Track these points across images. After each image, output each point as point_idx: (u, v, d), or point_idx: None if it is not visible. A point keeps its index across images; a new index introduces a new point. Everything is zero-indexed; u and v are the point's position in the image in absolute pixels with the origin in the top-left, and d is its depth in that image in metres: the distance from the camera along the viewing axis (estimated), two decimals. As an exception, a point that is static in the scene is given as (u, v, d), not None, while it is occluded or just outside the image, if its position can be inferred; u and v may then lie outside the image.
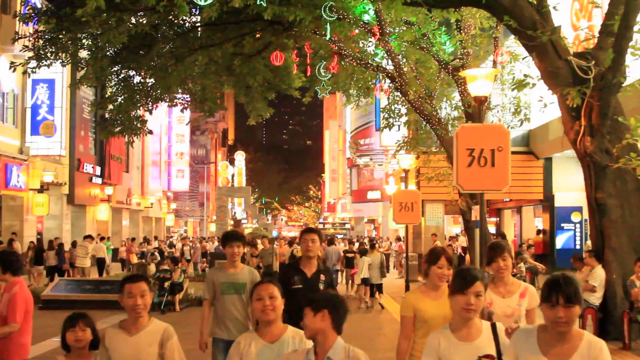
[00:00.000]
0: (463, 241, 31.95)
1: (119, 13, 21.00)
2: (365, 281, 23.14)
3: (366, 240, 42.87)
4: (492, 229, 32.18)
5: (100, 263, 33.52)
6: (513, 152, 25.94)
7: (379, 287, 23.56)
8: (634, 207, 11.88)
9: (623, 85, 11.35)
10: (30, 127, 33.94)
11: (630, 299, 12.58)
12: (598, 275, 13.07)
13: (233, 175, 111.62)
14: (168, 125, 71.35)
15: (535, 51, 12.11)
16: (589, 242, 27.03)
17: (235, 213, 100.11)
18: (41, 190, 34.56)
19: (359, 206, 75.88)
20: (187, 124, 28.69)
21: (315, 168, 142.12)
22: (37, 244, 31.29)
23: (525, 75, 12.82)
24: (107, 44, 21.76)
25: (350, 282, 25.86)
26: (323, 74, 22.18)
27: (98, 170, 43.71)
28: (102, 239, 36.42)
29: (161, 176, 67.40)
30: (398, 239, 38.95)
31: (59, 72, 33.59)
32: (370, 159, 64.30)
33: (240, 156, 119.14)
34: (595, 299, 13.51)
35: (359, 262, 23.58)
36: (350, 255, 26.48)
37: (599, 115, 11.30)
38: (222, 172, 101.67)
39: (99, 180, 43.93)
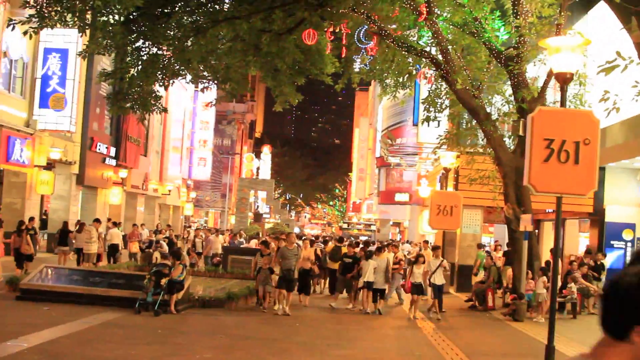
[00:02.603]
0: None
1: (133, -31, 18.61)
2: (368, 285, 21.27)
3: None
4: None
5: (113, 250, 30.84)
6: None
7: (382, 293, 21.81)
8: None
9: None
10: (39, 99, 31.38)
11: None
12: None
13: (258, 168, 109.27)
14: (192, 110, 68.86)
15: (638, 19, 9.35)
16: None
17: (258, 207, 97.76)
18: (48, 167, 32.17)
19: (385, 208, 73.04)
20: (209, 105, 25.99)
21: (341, 167, 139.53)
22: (63, 226, 29.02)
23: (617, 54, 10.00)
24: (118, 6, 19.26)
25: (352, 291, 22.98)
26: (364, 40, 19.49)
27: (113, 151, 41.21)
28: (114, 224, 34.04)
29: (182, 163, 64.91)
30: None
31: (73, 42, 31.11)
32: (401, 159, 61.55)
33: (266, 149, 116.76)
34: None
35: (364, 265, 21.57)
36: (348, 260, 22.87)
37: None
38: (247, 164, 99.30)
39: (113, 162, 41.44)
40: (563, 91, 10.24)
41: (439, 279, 20.79)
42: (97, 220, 28.48)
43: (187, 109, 66.38)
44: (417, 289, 20.50)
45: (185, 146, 66.71)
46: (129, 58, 22.77)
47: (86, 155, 37.04)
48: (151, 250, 28.26)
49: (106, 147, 39.98)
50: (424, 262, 20.98)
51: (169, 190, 56.92)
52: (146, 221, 49.51)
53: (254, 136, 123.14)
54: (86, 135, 36.92)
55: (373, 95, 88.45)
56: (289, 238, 20.89)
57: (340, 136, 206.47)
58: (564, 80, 10.12)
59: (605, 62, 10.53)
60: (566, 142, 9.35)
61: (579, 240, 31.64)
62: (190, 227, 61.59)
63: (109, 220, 36.43)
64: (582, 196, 9.66)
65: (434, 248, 22.74)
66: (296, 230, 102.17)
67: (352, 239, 53.48)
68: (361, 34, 19.31)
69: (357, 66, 27.47)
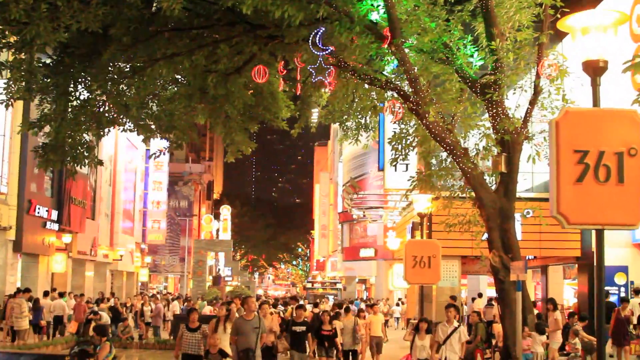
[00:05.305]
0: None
1: (50, -5, 16.08)
2: None
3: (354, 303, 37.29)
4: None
5: (57, 321, 29.11)
6: (541, 199, 20.69)
7: (354, 354, 20.11)
8: None
9: None
10: (-35, 159, 28.59)
11: None
12: None
13: (218, 230, 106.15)
14: (145, 170, 66.12)
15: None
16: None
17: (219, 269, 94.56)
18: (-21, 234, 29.26)
19: (350, 264, 70.57)
20: (162, 151, 22.29)
21: (303, 225, 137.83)
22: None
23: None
24: (37, 40, 16.59)
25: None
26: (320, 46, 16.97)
27: (54, 214, 38.05)
28: (60, 294, 31.46)
29: (134, 226, 61.87)
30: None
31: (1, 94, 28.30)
32: (364, 215, 59.20)
33: (225, 210, 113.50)
34: None
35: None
36: (300, 329, 18.43)
37: None
38: (205, 226, 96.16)
39: (55, 227, 38.28)
40: (595, 85, 7.71)
41: (451, 353, 16.45)
42: (27, 290, 25.56)
43: (139, 169, 63.53)
44: None
45: (138, 208, 63.75)
46: (55, 104, 19.97)
47: (24, 220, 33.92)
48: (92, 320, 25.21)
49: (47, 210, 36.84)
50: (428, 332, 17.01)
51: (121, 256, 53.77)
52: (97, 289, 46.51)
53: (212, 197, 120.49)
54: (23, 197, 33.81)
55: (332, 149, 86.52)
56: (247, 305, 15.65)
57: (301, 195, 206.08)
58: (594, 70, 7.61)
59: (634, 56, 7.99)
60: (605, 154, 6.86)
61: (563, 289, 29.23)
62: (142, 293, 58.62)
63: (53, 290, 33.76)
64: (632, 228, 7.10)
65: (448, 306, 17.88)
66: (260, 292, 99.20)
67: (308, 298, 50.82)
68: (317, 38, 16.67)
69: (315, 108, 25.12)
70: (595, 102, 7.64)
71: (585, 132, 6.95)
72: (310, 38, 16.05)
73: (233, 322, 15.77)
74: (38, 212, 35.53)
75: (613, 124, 7.02)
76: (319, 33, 15.96)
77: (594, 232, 20.74)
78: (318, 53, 16.02)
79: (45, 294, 31.55)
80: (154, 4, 18.62)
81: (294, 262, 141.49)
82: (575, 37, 7.75)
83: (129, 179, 58.78)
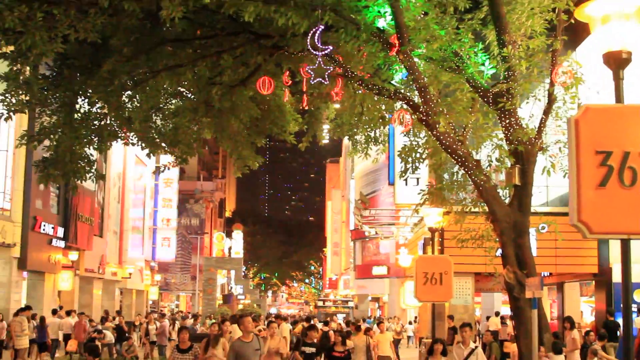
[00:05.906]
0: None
1: (45, 5, 15.60)
2: None
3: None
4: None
5: (67, 340, 29.31)
6: (556, 214, 19.93)
7: None
8: None
9: None
10: (-34, 174, 28.12)
11: None
12: None
13: (230, 248, 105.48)
14: (154, 188, 65.69)
15: None
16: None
17: (231, 288, 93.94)
18: (-18, 251, 28.77)
19: (362, 282, 69.71)
20: (169, 165, 21.52)
21: (316, 243, 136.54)
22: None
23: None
24: (33, 50, 16.07)
25: None
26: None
27: (60, 231, 37.49)
28: (67, 313, 31.13)
29: (144, 244, 61.36)
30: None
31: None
32: (376, 232, 58.48)
33: (236, 233, 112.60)
34: None
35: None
36: (309, 350, 17.77)
37: None
38: (217, 243, 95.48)
39: (62, 244, 37.72)
40: (617, 78, 7.04)
41: None
42: (27, 308, 25.04)
43: (148, 186, 63.07)
44: None
45: (147, 226, 63.24)
46: (55, 117, 19.43)
47: (29, 237, 33.36)
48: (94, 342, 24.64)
49: (52, 227, 36.28)
50: (444, 354, 15.63)
51: (130, 274, 53.19)
52: (105, 307, 46.04)
53: (224, 215, 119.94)
54: (28, 213, 33.25)
55: (344, 166, 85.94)
56: (243, 325, 13.72)
57: (314, 213, 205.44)
58: (617, 62, 6.94)
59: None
60: (630, 155, 6.17)
61: (580, 306, 28.38)
62: (152, 312, 58.06)
63: (60, 308, 33.35)
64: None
65: (463, 325, 16.44)
66: (273, 310, 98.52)
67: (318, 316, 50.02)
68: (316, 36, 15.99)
69: (324, 123, 24.57)
70: (619, 97, 6.95)
71: (608, 131, 6.27)
72: (309, 37, 15.36)
73: (230, 345, 14.34)
74: (43, 229, 34.98)
75: (639, 121, 6.36)
76: (318, 32, 15.27)
77: (615, 243, 20.08)
78: (317, 53, 15.31)
79: (54, 312, 31.20)
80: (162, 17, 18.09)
81: (307, 280, 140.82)
82: (595, 27, 7.08)
83: (138, 196, 58.41)
